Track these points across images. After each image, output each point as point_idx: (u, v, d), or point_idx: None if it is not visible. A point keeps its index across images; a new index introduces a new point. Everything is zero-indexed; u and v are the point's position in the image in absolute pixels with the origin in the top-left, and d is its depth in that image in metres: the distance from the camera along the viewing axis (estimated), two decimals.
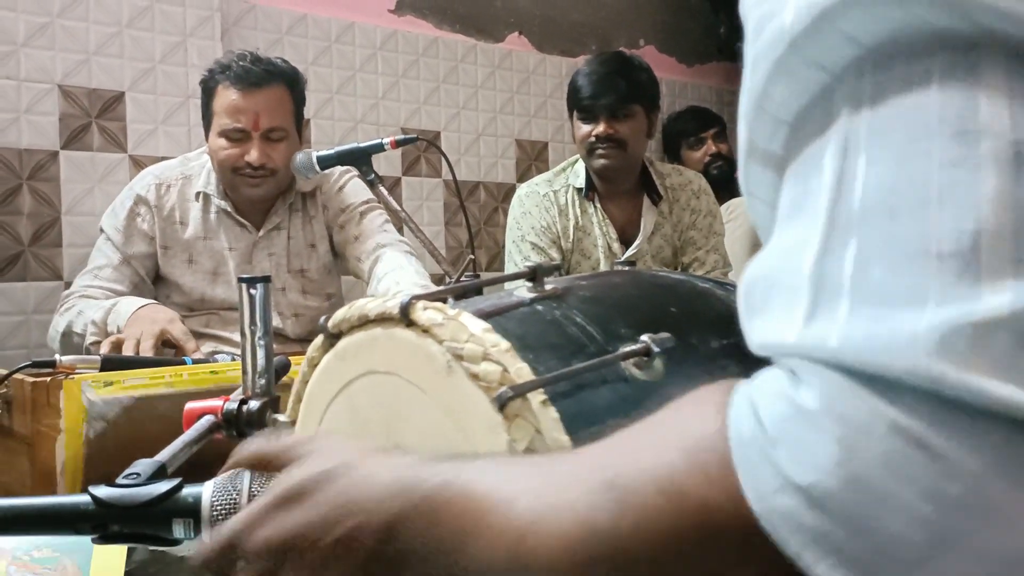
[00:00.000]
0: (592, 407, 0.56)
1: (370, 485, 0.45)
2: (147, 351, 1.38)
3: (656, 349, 0.59)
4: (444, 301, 0.63)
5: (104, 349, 1.39)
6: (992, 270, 0.28)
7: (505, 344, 0.56)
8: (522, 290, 0.66)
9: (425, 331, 0.59)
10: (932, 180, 0.30)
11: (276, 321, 1.78)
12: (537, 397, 0.54)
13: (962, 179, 0.29)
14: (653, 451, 0.37)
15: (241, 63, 1.68)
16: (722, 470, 0.33)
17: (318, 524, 0.45)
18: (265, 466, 0.54)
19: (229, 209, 1.76)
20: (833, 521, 0.30)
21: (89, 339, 1.57)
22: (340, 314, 0.67)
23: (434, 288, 1.67)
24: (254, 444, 0.56)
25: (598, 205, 2.19)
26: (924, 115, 0.31)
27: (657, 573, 0.35)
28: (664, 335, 0.59)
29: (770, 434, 0.32)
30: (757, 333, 0.35)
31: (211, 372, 1.11)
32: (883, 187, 0.31)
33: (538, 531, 0.38)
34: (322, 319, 0.70)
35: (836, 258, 0.32)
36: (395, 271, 1.69)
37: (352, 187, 1.86)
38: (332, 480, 0.46)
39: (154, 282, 1.79)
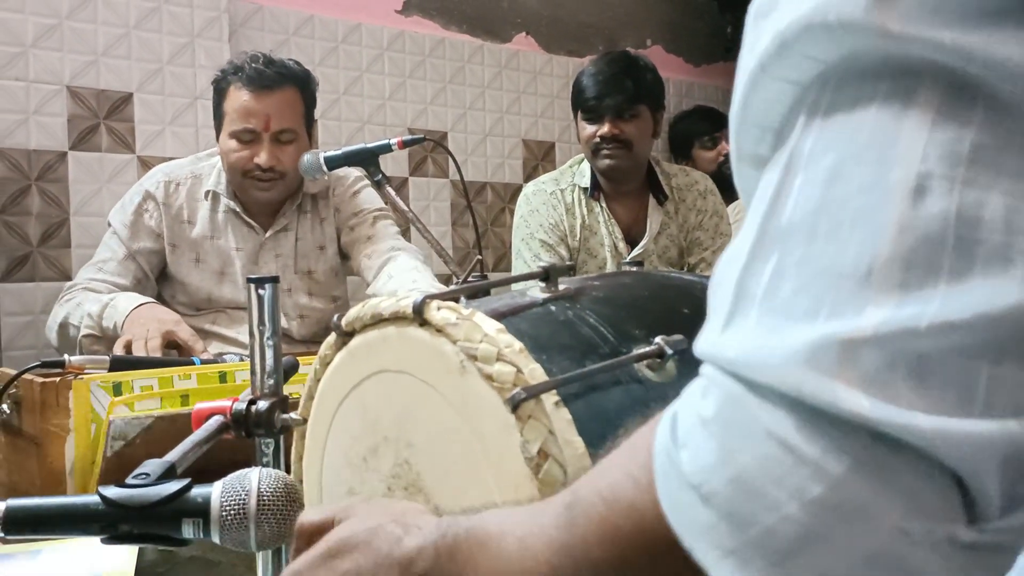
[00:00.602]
0: (605, 409, 0.56)
1: (410, 542, 0.50)
2: (155, 351, 1.38)
3: (669, 351, 0.59)
4: (457, 301, 0.62)
5: (118, 350, 1.39)
6: (879, 292, 0.31)
7: (518, 344, 0.56)
8: (535, 290, 0.65)
9: (439, 330, 0.58)
10: (848, 204, 0.32)
11: (282, 322, 1.78)
12: (550, 398, 0.54)
13: (872, 205, 0.32)
14: (604, 470, 0.41)
15: (254, 65, 1.68)
16: (647, 476, 0.36)
17: (364, 573, 0.50)
18: (319, 532, 0.56)
19: (238, 209, 1.77)
20: (718, 516, 0.33)
21: (84, 331, 1.57)
22: (353, 312, 0.67)
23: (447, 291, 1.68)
24: (311, 513, 0.58)
25: (604, 205, 2.19)
26: (856, 140, 0.33)
27: None
28: (677, 337, 0.59)
29: (678, 441, 0.35)
30: (698, 339, 0.38)
31: (219, 374, 1.11)
32: (808, 207, 0.33)
33: (521, 556, 0.43)
34: (335, 317, 0.70)
35: (757, 271, 0.34)
36: (411, 271, 1.69)
37: (367, 194, 1.87)
38: (374, 537, 0.51)
39: (159, 280, 1.79)
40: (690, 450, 0.34)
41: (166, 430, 1.00)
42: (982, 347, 0.30)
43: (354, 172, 1.86)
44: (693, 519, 0.34)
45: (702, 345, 0.36)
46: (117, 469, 0.98)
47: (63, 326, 1.64)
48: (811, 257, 0.33)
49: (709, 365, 0.36)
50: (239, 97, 1.68)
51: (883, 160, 0.32)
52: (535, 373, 0.54)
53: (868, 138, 0.33)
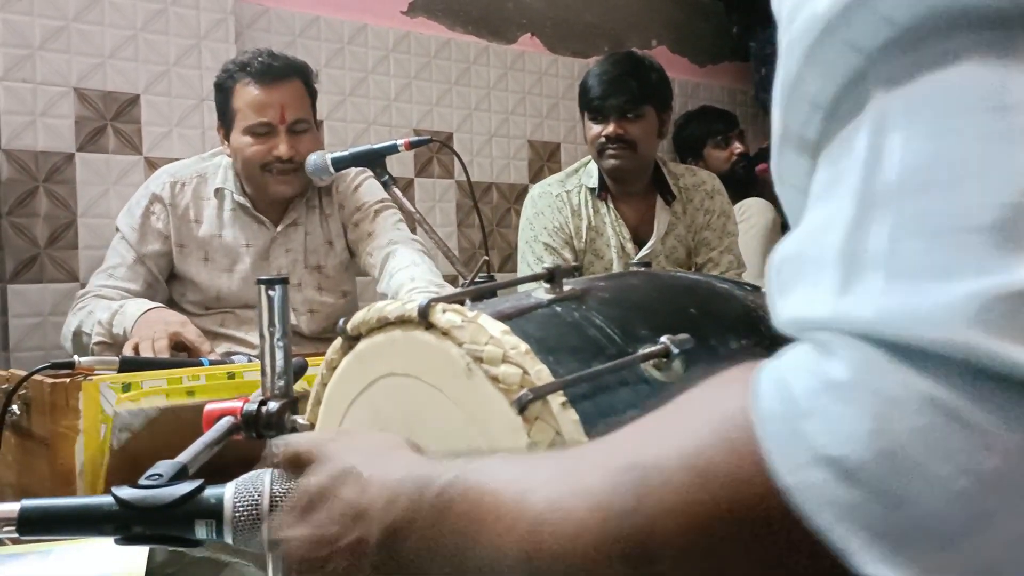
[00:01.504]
0: (612, 409, 0.56)
1: (378, 489, 0.46)
2: (162, 351, 1.39)
3: (675, 350, 0.59)
4: (462, 303, 0.63)
5: (126, 353, 1.41)
6: None
7: (524, 346, 0.56)
8: (540, 292, 0.66)
9: (444, 333, 0.59)
10: (967, 154, 0.30)
11: (291, 318, 1.79)
12: (557, 399, 0.54)
13: (997, 153, 0.29)
14: (678, 429, 0.36)
15: (260, 59, 1.69)
16: (750, 445, 0.32)
17: (329, 535, 0.47)
18: (292, 465, 0.55)
19: (247, 205, 1.77)
20: (866, 495, 0.29)
21: (95, 338, 1.58)
22: (359, 316, 0.68)
23: (448, 287, 1.68)
24: (281, 443, 0.57)
25: (611, 205, 2.19)
26: (958, 91, 0.31)
27: (681, 557, 0.34)
28: (683, 336, 0.59)
29: (800, 407, 0.31)
30: (787, 309, 0.34)
31: (228, 374, 1.12)
32: (917, 162, 0.31)
33: (551, 519, 0.37)
34: (340, 321, 0.70)
35: (869, 233, 0.31)
36: (409, 267, 1.69)
37: (368, 186, 1.87)
38: (341, 486, 0.48)
39: (168, 281, 1.79)
40: (820, 419, 0.30)
41: (171, 422, 1.01)
42: None
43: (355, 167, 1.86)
44: (829, 498, 0.29)
45: (812, 312, 0.32)
46: (124, 463, 0.98)
47: (77, 335, 1.65)
48: (931, 212, 0.30)
49: (826, 331, 0.31)
50: (250, 92, 1.68)
51: (999, 107, 0.29)
52: (541, 374, 0.55)
53: (974, 88, 0.30)
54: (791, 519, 0.30)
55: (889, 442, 0.29)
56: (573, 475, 0.38)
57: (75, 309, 1.69)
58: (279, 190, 1.74)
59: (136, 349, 1.40)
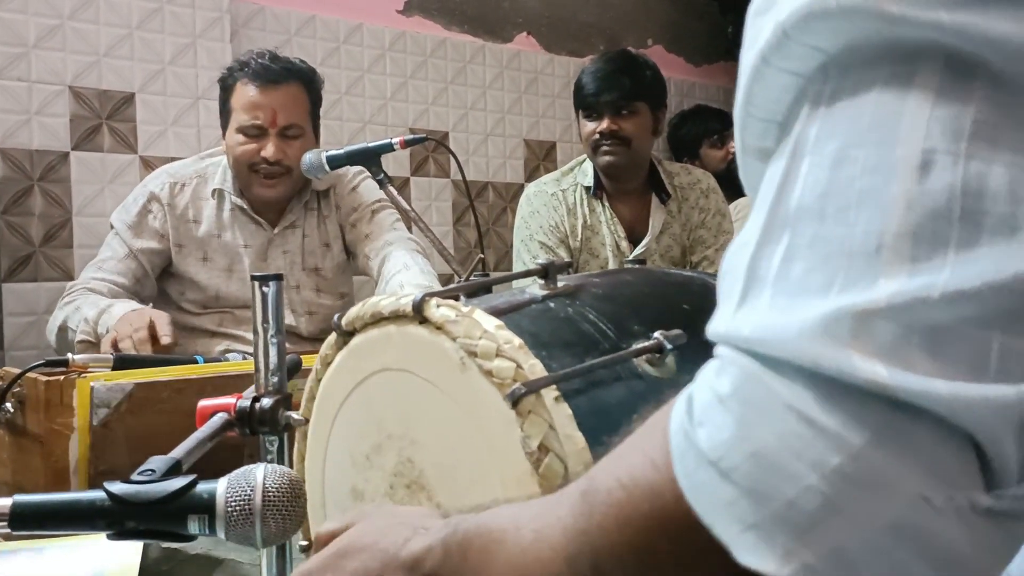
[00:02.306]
0: (605, 403, 0.56)
1: (417, 542, 0.50)
2: (143, 342, 1.38)
3: (668, 346, 0.59)
4: (457, 299, 0.63)
5: (105, 347, 1.39)
6: (888, 267, 0.31)
7: (518, 341, 0.56)
8: (534, 287, 0.66)
9: (438, 328, 0.59)
10: (854, 185, 0.33)
11: (290, 319, 1.79)
12: (550, 393, 0.54)
13: (878, 184, 0.32)
14: (620, 455, 0.40)
15: (260, 60, 1.69)
16: (665, 457, 0.36)
17: (371, 573, 0.51)
18: (332, 540, 0.57)
19: (244, 206, 1.77)
20: (738, 491, 0.33)
21: (79, 336, 1.57)
22: (353, 312, 0.68)
23: (440, 287, 1.68)
24: (328, 526, 0.60)
25: (606, 204, 2.19)
26: (860, 123, 0.34)
27: (638, 563, 0.38)
28: (676, 332, 0.60)
29: (695, 419, 0.35)
30: (710, 323, 0.38)
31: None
32: (816, 190, 0.34)
33: (538, 547, 0.42)
34: (335, 317, 0.70)
35: (768, 254, 0.35)
36: (401, 272, 1.69)
37: (365, 187, 1.87)
38: (383, 538, 0.52)
39: (167, 278, 1.79)
40: (707, 428, 0.34)
41: (147, 397, 1.01)
42: (993, 316, 0.31)
43: (354, 167, 1.86)
44: (712, 496, 0.34)
45: (715, 327, 0.37)
46: (106, 439, 0.98)
47: (62, 329, 1.64)
48: (821, 238, 0.33)
49: (723, 346, 0.36)
50: (245, 92, 1.69)
51: (887, 140, 0.33)
52: (535, 369, 0.55)
53: (871, 120, 0.33)
54: (692, 521, 0.34)
55: (755, 445, 0.33)
56: (553, 507, 0.43)
57: (62, 303, 1.67)
58: (263, 193, 1.74)
59: (115, 344, 1.39)
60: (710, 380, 0.36)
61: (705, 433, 0.34)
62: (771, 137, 0.39)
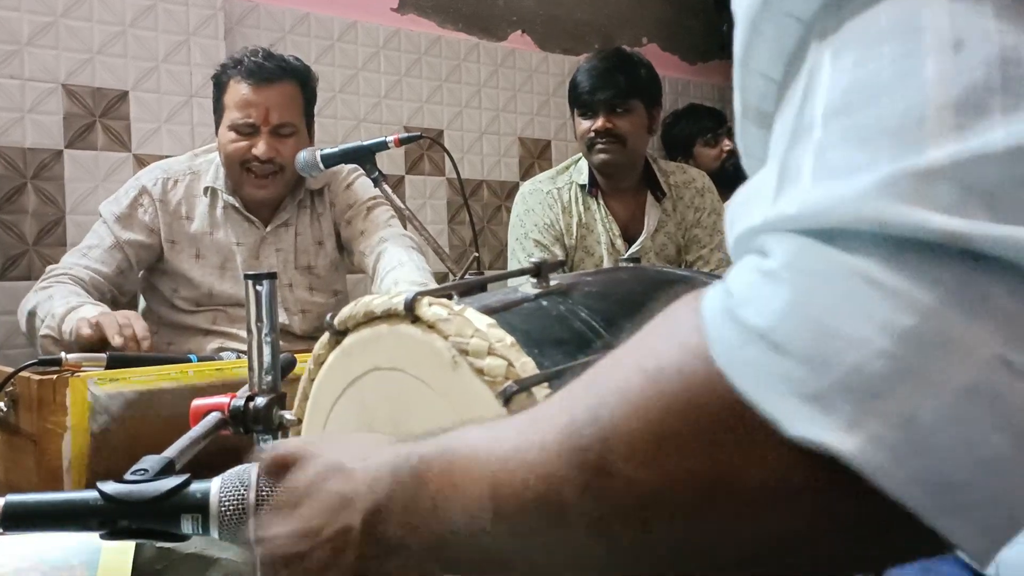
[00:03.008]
0: None
1: (359, 478, 0.45)
2: (132, 338, 1.36)
3: None
4: (449, 297, 0.63)
5: (84, 332, 1.36)
6: (935, 136, 0.30)
7: (510, 339, 0.56)
8: (527, 286, 0.66)
9: (430, 327, 0.59)
10: (883, 74, 0.32)
11: (283, 317, 1.79)
12: (542, 391, 0.54)
13: (910, 68, 0.31)
14: (633, 344, 0.37)
15: (253, 58, 1.69)
16: (696, 340, 0.33)
17: (313, 527, 0.46)
18: (279, 467, 0.54)
19: (237, 204, 1.77)
20: (794, 362, 0.30)
21: (44, 331, 1.53)
22: (346, 311, 0.68)
23: (435, 284, 1.68)
24: (268, 447, 0.57)
25: (601, 202, 2.19)
26: (876, 26, 0.33)
27: (637, 459, 0.34)
28: None
29: (737, 298, 0.32)
30: (734, 231, 0.36)
31: (216, 370, 1.11)
32: (842, 89, 0.33)
33: (517, 454, 0.37)
34: (328, 316, 0.70)
35: (798, 154, 0.33)
36: (395, 269, 1.69)
37: (360, 184, 1.87)
38: (325, 480, 0.47)
39: (155, 277, 1.78)
40: (755, 302, 0.32)
41: (150, 404, 1.01)
42: None
43: (348, 165, 1.86)
44: (761, 370, 0.31)
45: (748, 223, 0.34)
46: (105, 446, 0.98)
47: (31, 314, 1.60)
48: (854, 127, 0.32)
49: (764, 234, 0.33)
50: (238, 90, 1.68)
51: (912, 30, 0.32)
52: (526, 367, 0.55)
53: (890, 21, 0.32)
54: (732, 399, 0.31)
55: (813, 310, 0.30)
56: (540, 413, 0.39)
57: (39, 285, 1.64)
58: (254, 193, 1.73)
59: (99, 335, 1.37)
60: (751, 264, 0.33)
61: (753, 308, 0.31)
62: (770, 99, 0.38)
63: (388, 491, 0.43)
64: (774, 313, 0.31)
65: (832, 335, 0.30)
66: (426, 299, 0.60)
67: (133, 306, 1.80)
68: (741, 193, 0.36)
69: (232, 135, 1.69)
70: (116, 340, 1.35)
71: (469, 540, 0.40)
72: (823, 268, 0.31)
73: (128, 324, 1.39)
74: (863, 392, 0.29)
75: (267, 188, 1.73)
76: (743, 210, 0.35)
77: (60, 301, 1.56)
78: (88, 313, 1.49)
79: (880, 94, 0.31)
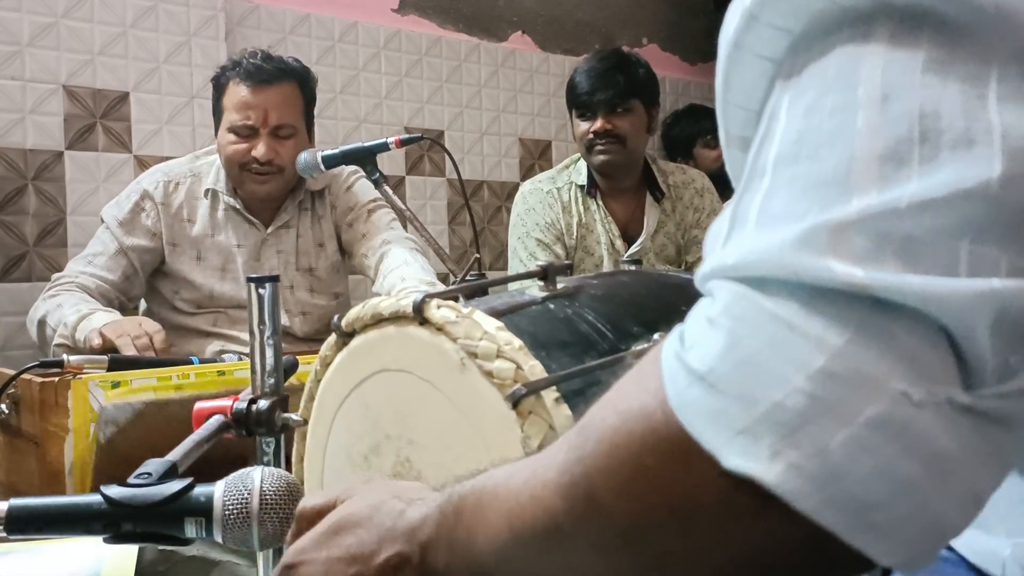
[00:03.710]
0: None
1: (411, 513, 0.49)
2: (146, 347, 1.36)
3: None
4: (457, 299, 0.63)
5: (95, 342, 1.37)
6: (859, 188, 0.34)
7: (518, 342, 0.56)
8: (534, 288, 0.66)
9: (439, 329, 0.59)
10: (824, 127, 0.36)
11: (283, 319, 1.78)
12: (551, 395, 0.54)
13: (844, 121, 0.35)
14: (616, 390, 0.41)
15: (252, 60, 1.69)
16: (657, 382, 0.37)
17: (364, 552, 0.50)
18: (320, 515, 0.56)
19: (238, 206, 1.77)
20: (727, 399, 0.34)
21: (57, 339, 1.54)
22: (353, 313, 0.67)
23: (440, 284, 1.68)
24: (312, 499, 0.58)
25: (600, 202, 2.19)
26: (825, 76, 0.37)
27: (630, 485, 0.37)
28: None
29: (686, 344, 0.36)
30: (700, 271, 0.39)
31: (218, 372, 1.11)
32: (792, 138, 0.37)
33: (531, 488, 0.42)
34: (335, 318, 0.70)
35: (748, 199, 0.37)
36: (400, 267, 1.69)
37: (360, 186, 1.87)
38: (375, 513, 0.51)
39: (156, 279, 1.78)
40: (698, 348, 0.35)
41: (157, 415, 1.01)
42: (961, 225, 0.33)
43: (349, 166, 1.85)
44: (702, 408, 0.34)
45: (703, 270, 0.38)
46: (111, 457, 0.98)
47: (41, 323, 1.61)
48: (798, 175, 0.35)
49: (712, 280, 0.37)
50: (237, 92, 1.68)
51: (850, 84, 0.36)
52: (535, 370, 0.55)
53: (835, 72, 0.36)
54: (683, 436, 0.35)
55: (743, 353, 0.34)
56: (549, 452, 0.43)
57: (46, 294, 1.65)
58: (256, 189, 1.73)
59: (108, 344, 1.37)
60: (701, 310, 0.37)
61: (696, 352, 0.35)
62: (752, 127, 0.41)
63: (437, 525, 0.47)
64: (712, 357, 0.35)
65: (758, 375, 0.33)
66: (434, 301, 0.60)
67: (150, 312, 1.80)
68: (712, 228, 0.40)
69: (231, 137, 1.69)
70: (124, 348, 1.35)
71: (497, 566, 0.44)
72: (752, 314, 0.35)
73: (141, 334, 1.39)
74: (783, 425, 0.33)
75: (267, 184, 1.73)
76: (708, 249, 0.40)
77: (71, 309, 1.56)
78: (99, 321, 1.50)
79: (820, 145, 0.35)
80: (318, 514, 0.55)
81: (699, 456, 0.34)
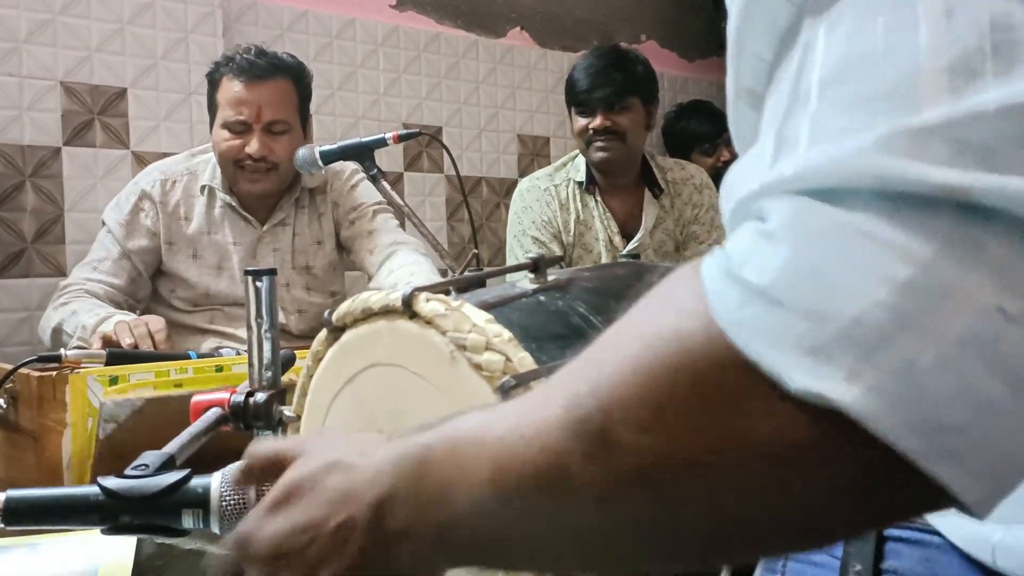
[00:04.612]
0: None
1: (362, 471, 0.44)
2: (144, 336, 1.37)
3: None
4: (447, 293, 0.63)
5: (96, 345, 1.39)
6: (930, 98, 0.31)
7: (507, 334, 0.57)
8: (525, 281, 0.66)
9: (428, 322, 0.59)
10: (878, 43, 0.32)
11: (280, 317, 1.78)
12: (540, 386, 0.55)
13: (903, 36, 0.32)
14: (632, 316, 0.37)
15: (246, 56, 1.69)
16: (694, 302, 0.33)
17: (314, 520, 0.45)
18: (273, 466, 0.53)
19: (234, 203, 1.77)
20: (795, 315, 0.31)
21: (76, 342, 1.55)
22: (344, 308, 0.68)
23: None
24: (263, 445, 0.56)
25: (599, 199, 2.20)
26: (870, 1, 0.33)
27: (657, 417, 0.33)
28: None
29: (736, 260, 0.33)
30: (730, 202, 0.36)
31: (216, 368, 1.12)
32: (837, 60, 0.33)
33: (525, 428, 0.37)
34: (326, 313, 0.70)
35: (795, 122, 0.34)
36: (411, 264, 1.71)
37: (365, 187, 1.87)
38: (326, 475, 0.46)
39: (153, 278, 1.79)
40: (755, 263, 0.32)
41: (158, 412, 1.01)
42: None
43: (351, 166, 1.86)
44: (762, 327, 0.31)
45: (745, 191, 0.34)
46: (110, 453, 0.98)
47: (56, 331, 1.63)
48: (852, 92, 0.32)
49: (762, 199, 0.34)
50: (231, 88, 1.68)
51: (905, 3, 0.32)
52: (524, 361, 0.55)
53: None
54: (733, 358, 0.31)
55: (812, 266, 0.31)
56: (540, 392, 0.39)
57: (56, 303, 1.66)
58: (250, 188, 1.74)
59: (108, 340, 1.38)
60: (750, 228, 0.33)
61: (752, 267, 0.32)
62: (762, 80, 0.38)
63: (391, 483, 0.42)
64: (774, 270, 0.31)
65: (831, 289, 0.30)
66: (423, 295, 0.61)
67: (147, 310, 1.80)
68: (735, 169, 0.37)
69: (225, 133, 1.69)
70: (127, 342, 1.36)
71: (471, 524, 0.39)
72: (822, 225, 0.31)
73: (140, 323, 1.40)
74: (862, 343, 0.30)
75: (260, 183, 1.73)
76: (739, 181, 0.36)
77: (87, 315, 1.58)
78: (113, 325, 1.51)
79: (875, 62, 0.32)
80: (268, 465, 0.52)
81: (754, 380, 0.31)
